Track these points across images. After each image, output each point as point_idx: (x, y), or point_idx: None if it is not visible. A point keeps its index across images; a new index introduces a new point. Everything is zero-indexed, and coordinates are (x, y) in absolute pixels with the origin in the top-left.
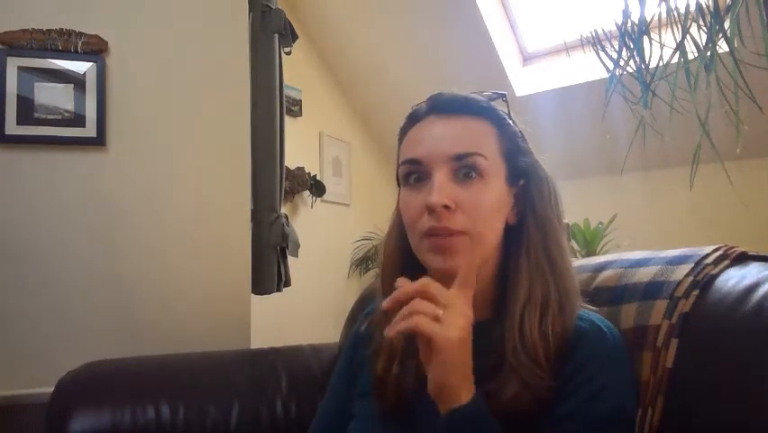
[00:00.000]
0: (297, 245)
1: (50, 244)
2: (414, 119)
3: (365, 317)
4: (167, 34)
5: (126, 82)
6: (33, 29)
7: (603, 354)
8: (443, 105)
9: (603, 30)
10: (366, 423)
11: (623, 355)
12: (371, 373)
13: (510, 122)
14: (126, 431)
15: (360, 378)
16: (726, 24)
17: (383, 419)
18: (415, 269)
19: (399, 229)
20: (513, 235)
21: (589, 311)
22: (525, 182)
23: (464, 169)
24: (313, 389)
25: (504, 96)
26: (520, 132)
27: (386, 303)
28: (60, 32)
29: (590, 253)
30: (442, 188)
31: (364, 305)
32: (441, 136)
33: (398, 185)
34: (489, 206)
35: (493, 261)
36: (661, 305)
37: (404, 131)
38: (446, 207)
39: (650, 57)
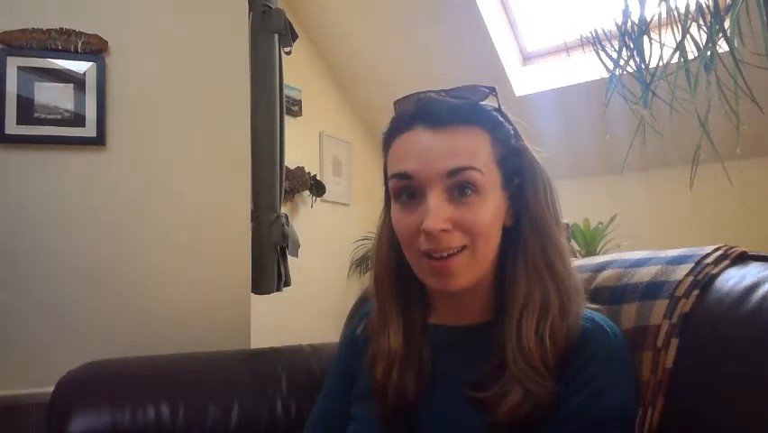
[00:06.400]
0: (297, 245)
1: (50, 243)
2: (400, 127)
3: (360, 319)
4: (167, 34)
5: (126, 82)
6: (33, 29)
7: (605, 354)
8: (431, 115)
9: (603, 30)
10: (367, 426)
11: (625, 355)
12: (371, 379)
13: (501, 119)
14: (126, 431)
15: (358, 381)
16: (726, 24)
17: (385, 423)
18: (408, 271)
19: (391, 233)
20: (509, 237)
21: (591, 310)
22: (520, 181)
23: (459, 185)
24: (313, 389)
25: (494, 90)
26: (513, 128)
27: None
28: (60, 31)
29: (590, 253)
30: (437, 211)
31: (363, 305)
32: (432, 150)
33: (388, 192)
34: (486, 221)
35: (491, 265)
36: (661, 305)
37: (389, 138)
38: (443, 230)
39: (650, 57)
